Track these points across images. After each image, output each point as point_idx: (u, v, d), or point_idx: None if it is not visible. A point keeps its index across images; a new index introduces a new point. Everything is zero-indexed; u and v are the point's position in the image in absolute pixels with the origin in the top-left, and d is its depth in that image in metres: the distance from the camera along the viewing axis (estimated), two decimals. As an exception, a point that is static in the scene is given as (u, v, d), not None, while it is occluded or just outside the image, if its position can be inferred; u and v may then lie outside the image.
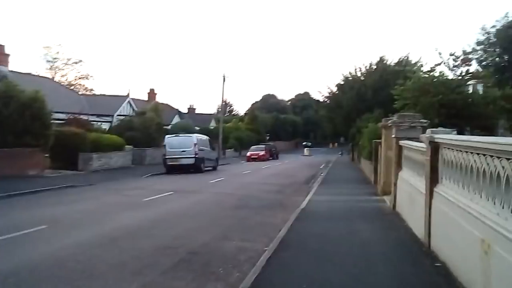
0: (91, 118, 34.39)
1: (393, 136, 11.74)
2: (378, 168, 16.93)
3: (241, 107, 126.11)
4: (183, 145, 25.54)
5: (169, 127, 38.48)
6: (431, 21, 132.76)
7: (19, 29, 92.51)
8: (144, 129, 31.82)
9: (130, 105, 40.09)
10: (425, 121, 11.29)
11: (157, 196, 14.21)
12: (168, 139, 26.48)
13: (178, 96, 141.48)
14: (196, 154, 25.57)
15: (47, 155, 21.23)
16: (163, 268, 6.27)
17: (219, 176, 22.95)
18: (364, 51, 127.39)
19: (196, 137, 27.03)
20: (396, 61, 38.76)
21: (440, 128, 7.26)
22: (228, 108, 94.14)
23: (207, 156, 27.45)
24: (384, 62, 39.83)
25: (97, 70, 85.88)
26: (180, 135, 27.45)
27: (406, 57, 38.18)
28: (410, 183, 9.37)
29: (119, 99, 39.30)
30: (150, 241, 7.92)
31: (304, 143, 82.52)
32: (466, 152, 5.37)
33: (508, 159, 3.97)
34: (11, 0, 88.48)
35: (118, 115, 36.51)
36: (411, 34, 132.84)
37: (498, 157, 4.21)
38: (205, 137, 29.69)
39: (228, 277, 5.99)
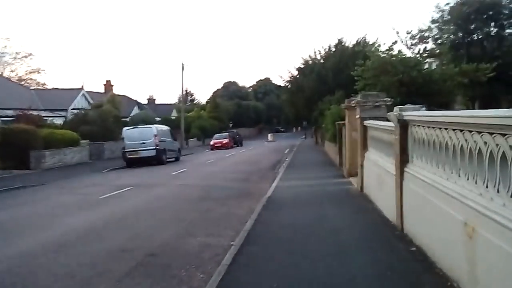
0: (44, 113, 32.62)
1: (357, 116, 11.43)
2: (343, 150, 16.75)
3: (203, 96, 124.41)
4: (143, 137, 24.42)
5: (128, 119, 37.03)
6: (386, 1, 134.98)
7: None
8: (101, 122, 30.28)
9: (85, 98, 38.30)
10: (390, 99, 11.03)
11: (115, 193, 13.38)
12: (127, 131, 25.26)
13: (137, 88, 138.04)
14: (156, 145, 24.52)
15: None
16: (117, 276, 5.61)
17: (181, 167, 22.16)
18: (323, 34, 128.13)
19: (156, 128, 25.91)
20: (354, 42, 38.90)
21: (408, 105, 6.91)
22: (189, 97, 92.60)
23: (168, 147, 26.46)
24: (343, 44, 39.88)
25: (50, 64, 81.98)
26: (139, 126, 26.28)
27: (363, 38, 38.34)
28: (377, 164, 9.08)
29: (72, 92, 37.38)
30: (103, 244, 7.20)
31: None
32: (440, 128, 5.00)
33: (491, 133, 3.59)
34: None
35: (72, 109, 34.74)
36: (367, 15, 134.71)
37: (479, 132, 3.83)
38: (165, 128, 28.62)
39: (191, 280, 5.43)
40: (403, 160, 6.75)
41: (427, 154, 5.69)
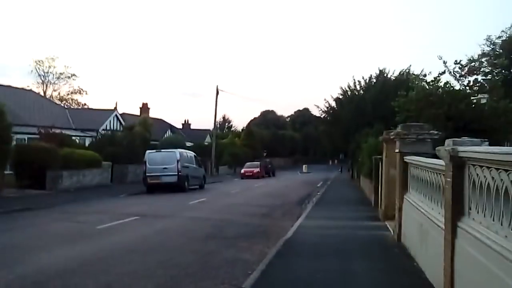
0: (74, 132, 32.48)
1: (396, 151, 9.72)
2: (379, 188, 14.94)
3: (240, 124, 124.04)
4: (165, 161, 23.26)
5: (157, 142, 36.35)
6: (432, 33, 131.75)
7: (12, 42, 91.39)
8: (128, 144, 29.55)
9: (118, 119, 38.13)
10: (436, 132, 9.29)
11: (116, 223, 12.03)
12: (150, 154, 24.13)
13: (174, 112, 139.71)
14: (179, 171, 23.26)
15: (9, 172, 19.06)
16: None
17: (202, 196, 20.74)
18: (365, 64, 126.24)
19: (179, 152, 24.58)
20: (397, 74, 37.09)
21: (465, 139, 5.24)
22: (227, 124, 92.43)
23: (192, 174, 25.19)
24: (385, 75, 38.17)
25: (92, 85, 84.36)
26: (163, 150, 25.26)
27: (407, 70, 36.45)
28: (420, 210, 7.32)
29: (105, 113, 37.28)
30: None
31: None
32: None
33: None
34: (3, 12, 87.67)
35: (104, 130, 34.47)
36: (412, 47, 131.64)
37: None
38: (190, 153, 27.47)
39: None
40: (457, 211, 5.04)
41: (494, 207, 4.00)
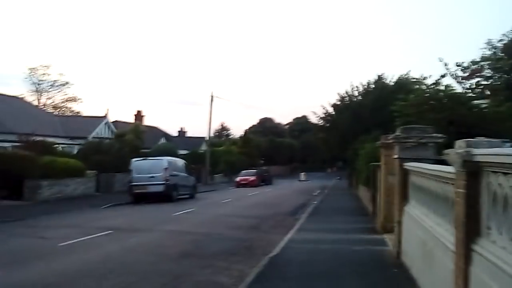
0: (63, 140, 31.41)
1: (395, 156, 8.67)
2: (377, 198, 13.88)
3: (239, 132, 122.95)
4: (152, 169, 21.98)
5: (149, 150, 35.21)
6: (431, 38, 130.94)
7: (4, 50, 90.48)
8: (116, 152, 28.33)
9: (109, 126, 37.01)
10: (440, 135, 8.24)
11: (82, 239, 10.81)
12: (135, 162, 22.83)
13: (170, 120, 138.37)
14: (166, 180, 22.00)
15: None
16: None
17: (190, 207, 19.48)
18: (364, 71, 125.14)
19: (167, 160, 23.34)
20: (395, 79, 36.16)
21: (481, 139, 4.21)
22: (225, 132, 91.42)
23: (181, 183, 23.89)
24: (383, 80, 37.27)
25: (87, 93, 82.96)
26: (149, 158, 24.02)
27: (406, 75, 35.50)
28: (423, 225, 6.26)
29: (95, 121, 36.18)
30: None
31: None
32: None
33: None
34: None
35: (94, 138, 33.34)
36: (410, 53, 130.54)
37: None
38: (180, 161, 26.20)
39: None
40: (471, 231, 3.99)
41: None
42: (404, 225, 7.97)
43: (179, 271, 7.43)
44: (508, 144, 4.34)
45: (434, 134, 8.21)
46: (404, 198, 8.15)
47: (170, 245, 9.84)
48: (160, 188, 21.78)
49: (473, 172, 3.94)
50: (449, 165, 4.69)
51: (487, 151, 3.70)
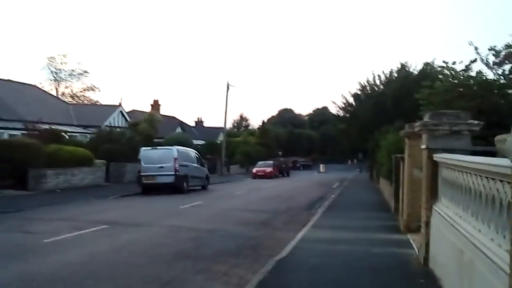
0: (76, 129, 31.00)
1: (423, 146, 7.49)
2: (400, 193, 12.70)
3: (258, 123, 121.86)
4: (161, 159, 21.05)
5: (163, 140, 34.47)
6: (459, 22, 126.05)
7: (25, 39, 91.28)
8: (127, 141, 27.58)
9: (123, 115, 36.43)
10: (477, 122, 7.01)
11: (72, 234, 9.88)
12: (144, 152, 21.79)
13: (189, 110, 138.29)
14: (176, 170, 21.02)
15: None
16: None
17: (199, 199, 18.50)
18: (386, 60, 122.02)
19: (177, 150, 22.25)
20: (419, 68, 34.45)
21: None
22: (244, 122, 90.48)
23: (192, 173, 22.94)
24: (406, 69, 35.60)
25: (105, 83, 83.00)
26: (159, 148, 23.14)
27: (432, 63, 33.73)
28: (458, 230, 5.13)
29: (109, 109, 35.64)
30: None
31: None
32: None
33: None
34: (16, 9, 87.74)
35: (106, 126, 32.77)
36: (436, 40, 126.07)
37: None
38: (191, 151, 25.23)
39: None
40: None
41: None
42: (433, 227, 6.83)
43: (168, 276, 6.41)
44: None
45: (470, 121, 7.00)
46: (433, 195, 6.99)
47: (166, 244, 8.84)
48: (170, 179, 20.90)
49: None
50: (500, 157, 3.59)
51: None
